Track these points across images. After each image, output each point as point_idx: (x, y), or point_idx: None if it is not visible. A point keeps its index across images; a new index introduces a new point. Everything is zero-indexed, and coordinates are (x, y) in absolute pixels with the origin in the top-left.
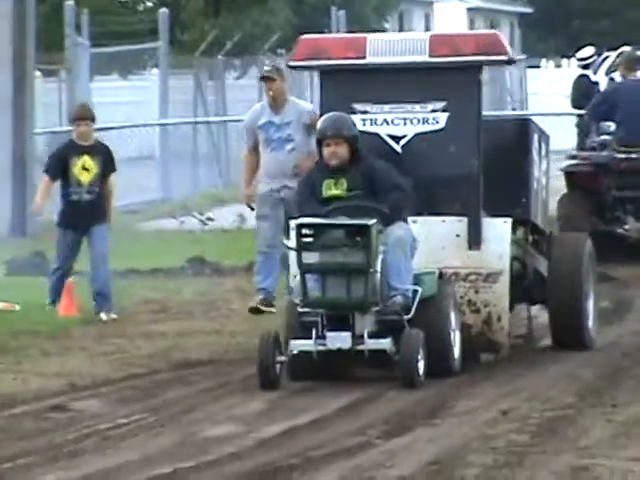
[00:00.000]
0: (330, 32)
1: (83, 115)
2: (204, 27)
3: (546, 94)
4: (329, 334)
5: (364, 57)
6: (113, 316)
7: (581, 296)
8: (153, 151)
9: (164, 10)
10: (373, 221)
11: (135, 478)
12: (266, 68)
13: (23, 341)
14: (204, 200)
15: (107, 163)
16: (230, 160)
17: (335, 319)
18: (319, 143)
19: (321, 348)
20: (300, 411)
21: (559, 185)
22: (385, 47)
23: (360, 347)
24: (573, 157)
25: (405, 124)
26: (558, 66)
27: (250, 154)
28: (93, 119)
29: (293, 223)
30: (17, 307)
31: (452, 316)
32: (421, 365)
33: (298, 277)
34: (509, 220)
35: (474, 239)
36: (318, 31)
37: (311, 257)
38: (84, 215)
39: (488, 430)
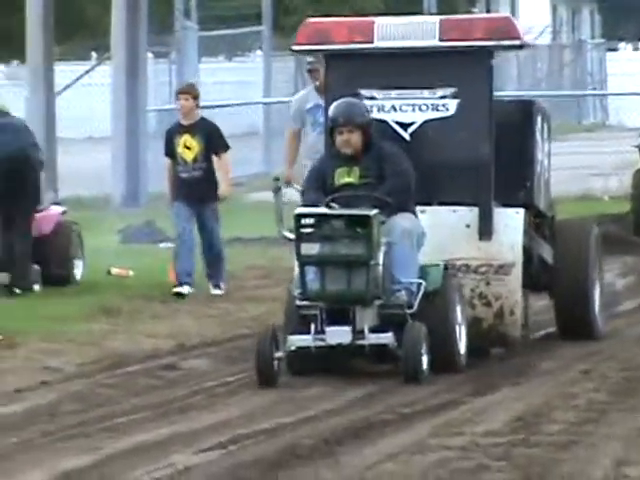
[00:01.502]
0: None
1: (183, 90)
2: (306, 11)
3: (624, 75)
4: (328, 329)
5: (372, 41)
6: (218, 292)
7: (587, 284)
8: (257, 128)
9: None
10: (374, 211)
11: (240, 432)
12: (309, 60)
13: (136, 304)
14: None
15: (212, 141)
16: None
17: (335, 313)
18: (331, 130)
19: (320, 344)
20: (385, 372)
21: (634, 159)
22: (394, 31)
23: (361, 342)
24: None
25: (414, 111)
26: (636, 49)
27: (294, 137)
28: (195, 96)
29: (294, 212)
30: (131, 273)
31: (458, 310)
32: (425, 359)
33: (297, 269)
34: (521, 211)
35: (485, 230)
36: (409, 14)
37: (311, 248)
38: (194, 192)
39: (569, 389)
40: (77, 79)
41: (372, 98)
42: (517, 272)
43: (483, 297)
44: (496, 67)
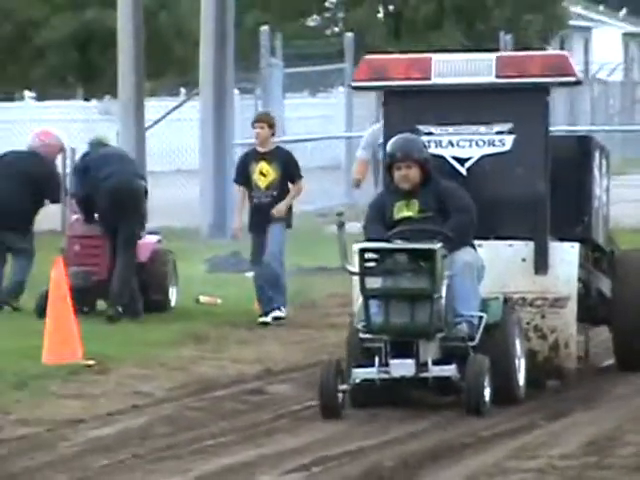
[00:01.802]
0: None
1: (258, 118)
2: (387, 49)
3: None
4: (392, 361)
5: (429, 78)
6: (279, 314)
7: None
8: (340, 161)
9: (350, 34)
10: (438, 245)
11: (324, 454)
12: None
13: (223, 331)
14: None
15: (287, 169)
16: None
17: (399, 346)
18: (389, 166)
19: (384, 376)
20: (446, 404)
21: None
22: (450, 68)
23: (424, 375)
24: None
25: (470, 146)
26: None
27: (362, 166)
28: (270, 125)
29: (356, 247)
30: (219, 301)
31: (517, 343)
32: (487, 392)
33: (361, 302)
34: (576, 245)
35: (541, 264)
36: (486, 51)
37: (374, 282)
38: (263, 217)
39: None
40: (166, 114)
41: (429, 134)
42: (572, 305)
43: (538, 330)
44: (570, 103)
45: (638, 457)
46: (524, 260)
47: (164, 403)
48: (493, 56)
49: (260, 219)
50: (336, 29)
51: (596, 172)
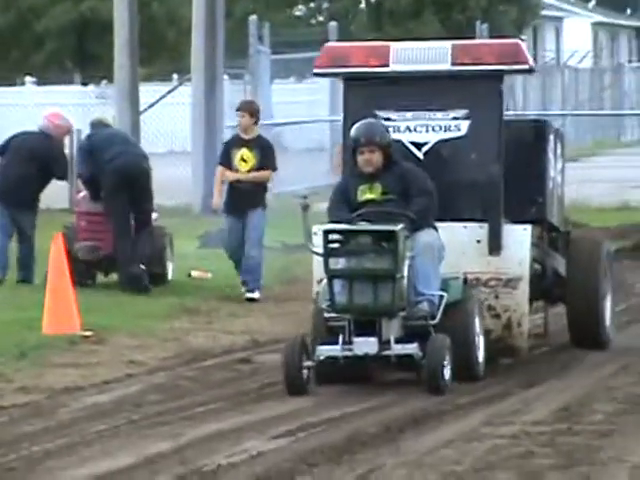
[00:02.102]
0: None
1: (240, 107)
2: (368, 38)
3: None
4: (356, 339)
5: (387, 65)
6: (256, 295)
7: (598, 297)
8: (324, 143)
9: (333, 23)
10: (400, 226)
11: (309, 420)
12: None
13: (214, 304)
14: None
15: (264, 157)
16: None
17: (362, 325)
18: (353, 150)
19: (348, 353)
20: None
21: None
22: (408, 55)
23: (387, 352)
24: None
25: (427, 131)
26: None
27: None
28: (251, 113)
29: (318, 229)
30: (209, 275)
31: (477, 321)
32: (447, 370)
33: (325, 282)
34: (529, 227)
35: (494, 245)
36: (463, 38)
37: (338, 263)
38: (242, 201)
39: (610, 382)
40: (160, 98)
41: (388, 119)
42: (524, 286)
43: (492, 309)
44: (542, 89)
45: (606, 424)
46: (479, 241)
47: (157, 372)
48: (449, 44)
49: (239, 203)
50: (321, 18)
51: (550, 154)
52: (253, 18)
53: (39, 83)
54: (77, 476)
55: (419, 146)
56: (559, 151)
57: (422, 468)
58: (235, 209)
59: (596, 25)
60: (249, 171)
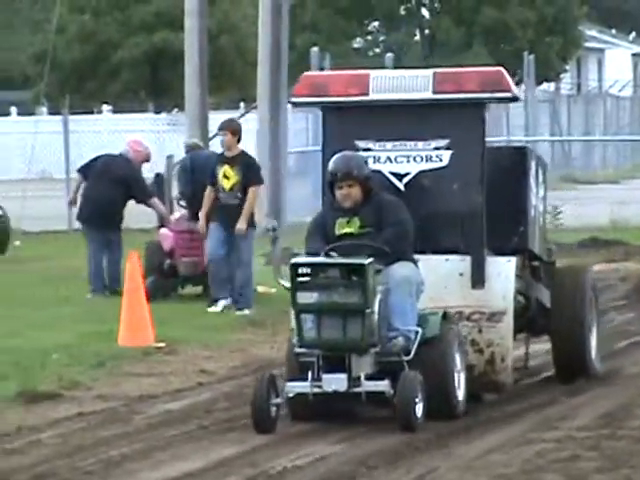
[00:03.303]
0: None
1: (222, 126)
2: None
3: None
4: (325, 376)
5: (367, 94)
6: (246, 312)
7: (584, 327)
8: None
9: (389, 55)
10: (369, 260)
11: (369, 426)
12: None
13: (278, 317)
14: None
15: (246, 173)
16: None
17: (331, 360)
18: (330, 183)
19: (317, 390)
20: None
21: None
22: (388, 84)
23: (357, 389)
24: None
25: (408, 162)
26: None
27: None
28: (233, 132)
29: (289, 262)
30: (273, 290)
31: (456, 357)
32: (419, 407)
33: (293, 317)
34: (513, 259)
35: (477, 278)
36: (511, 71)
37: (307, 297)
38: (229, 218)
39: None
40: None
41: (368, 149)
42: (508, 320)
43: (476, 344)
44: (585, 115)
45: None
46: (461, 274)
47: (226, 381)
48: (430, 72)
49: (225, 218)
50: (377, 50)
51: (532, 182)
52: (314, 50)
53: (115, 111)
54: (152, 479)
55: (400, 177)
56: (541, 178)
57: (473, 471)
58: (222, 223)
59: (636, 56)
60: (232, 187)
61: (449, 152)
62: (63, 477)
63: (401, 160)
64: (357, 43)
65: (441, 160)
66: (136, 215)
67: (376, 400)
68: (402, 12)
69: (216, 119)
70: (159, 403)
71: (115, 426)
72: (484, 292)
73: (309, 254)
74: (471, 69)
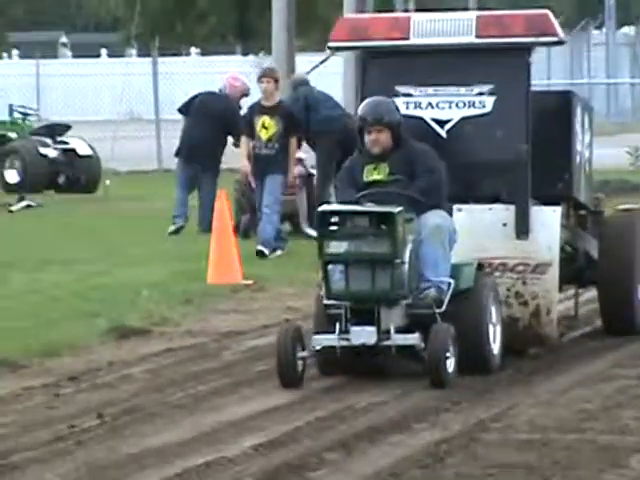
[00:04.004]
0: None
1: (265, 73)
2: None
3: None
4: (353, 328)
5: (408, 38)
6: (266, 251)
7: (632, 279)
8: None
9: None
10: (399, 209)
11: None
12: None
13: None
14: None
15: (286, 124)
16: None
17: (360, 313)
18: (360, 129)
19: (344, 343)
20: None
21: None
22: (430, 27)
23: (386, 343)
24: None
25: (450, 108)
26: None
27: None
28: (276, 79)
29: (317, 210)
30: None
31: (491, 309)
32: (450, 362)
33: (321, 268)
34: (558, 208)
35: (522, 228)
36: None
37: (335, 246)
38: (261, 166)
39: None
40: (313, 68)
41: (408, 95)
42: (554, 271)
43: (520, 296)
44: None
45: None
46: (505, 225)
47: (310, 318)
48: (473, 15)
49: (260, 168)
50: None
51: (578, 128)
52: None
53: (202, 54)
54: (240, 412)
55: (442, 123)
56: (587, 124)
57: (554, 407)
58: (258, 175)
59: None
60: (270, 138)
61: (492, 98)
62: (152, 411)
63: (443, 106)
64: None
65: (484, 106)
66: (225, 155)
67: (405, 354)
68: None
69: (303, 62)
70: (246, 339)
71: (203, 361)
72: (529, 243)
73: (340, 202)
74: (516, 12)
